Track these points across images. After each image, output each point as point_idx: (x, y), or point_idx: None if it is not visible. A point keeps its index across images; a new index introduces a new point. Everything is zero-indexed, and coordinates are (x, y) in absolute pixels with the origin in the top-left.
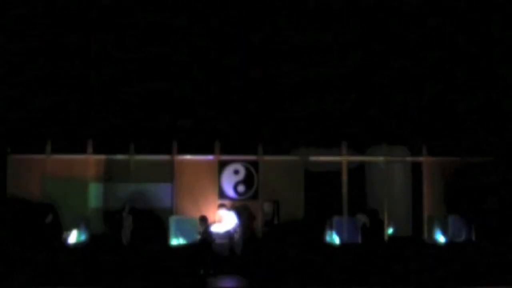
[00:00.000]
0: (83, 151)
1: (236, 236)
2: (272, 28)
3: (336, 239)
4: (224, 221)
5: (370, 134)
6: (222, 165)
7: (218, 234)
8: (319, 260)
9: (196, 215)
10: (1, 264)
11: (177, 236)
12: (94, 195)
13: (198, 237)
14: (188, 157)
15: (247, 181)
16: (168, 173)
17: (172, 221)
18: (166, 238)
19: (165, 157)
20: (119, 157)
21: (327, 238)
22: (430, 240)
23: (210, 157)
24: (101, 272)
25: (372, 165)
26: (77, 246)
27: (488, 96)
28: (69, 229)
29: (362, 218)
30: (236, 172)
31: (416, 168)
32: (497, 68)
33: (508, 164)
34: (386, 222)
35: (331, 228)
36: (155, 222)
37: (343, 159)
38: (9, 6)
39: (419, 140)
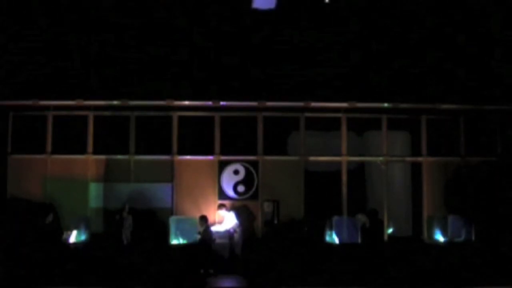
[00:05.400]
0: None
1: (236, 236)
2: (272, 28)
3: (336, 239)
4: (224, 221)
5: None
6: (222, 165)
7: (218, 234)
8: (319, 260)
9: (196, 215)
10: (1, 264)
11: (177, 236)
12: (94, 195)
13: (198, 237)
14: (188, 157)
15: (247, 181)
16: (168, 173)
17: (172, 221)
18: (166, 238)
19: (165, 157)
20: (119, 157)
21: (327, 238)
22: (430, 240)
23: (210, 157)
24: (101, 272)
25: (372, 165)
26: (77, 246)
27: (488, 95)
28: (70, 229)
29: (362, 218)
30: (236, 172)
31: (416, 168)
32: (497, 68)
33: (508, 164)
34: (386, 222)
35: (331, 228)
36: (155, 222)
37: (343, 159)
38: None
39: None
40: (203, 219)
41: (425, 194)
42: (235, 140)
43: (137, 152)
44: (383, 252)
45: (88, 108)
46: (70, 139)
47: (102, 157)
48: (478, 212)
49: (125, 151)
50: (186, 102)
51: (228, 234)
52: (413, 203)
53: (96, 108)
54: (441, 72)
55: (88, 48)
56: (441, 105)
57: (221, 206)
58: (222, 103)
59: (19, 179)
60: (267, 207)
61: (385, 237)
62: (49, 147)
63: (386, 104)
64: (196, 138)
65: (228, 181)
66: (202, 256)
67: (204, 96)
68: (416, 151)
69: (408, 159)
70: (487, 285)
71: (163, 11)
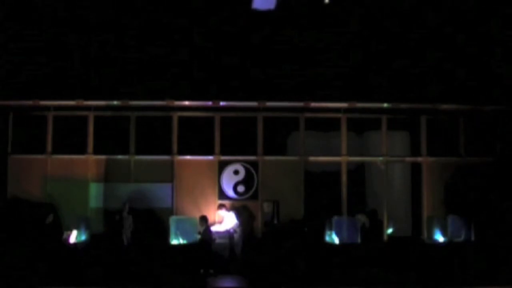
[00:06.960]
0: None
1: (236, 236)
2: (272, 28)
3: (336, 239)
4: (224, 221)
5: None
6: (222, 165)
7: (218, 234)
8: (319, 260)
9: (196, 215)
10: (1, 264)
11: (177, 236)
12: (94, 195)
13: (198, 237)
14: (188, 157)
15: (247, 181)
16: (168, 173)
17: (172, 221)
18: (166, 238)
19: (165, 157)
20: (119, 157)
21: (327, 238)
22: (430, 240)
23: (210, 157)
24: (101, 272)
25: (372, 165)
26: (77, 246)
27: (488, 95)
28: (70, 229)
29: (361, 218)
30: (236, 172)
31: (415, 168)
32: (497, 68)
33: (507, 164)
34: (385, 222)
35: (331, 228)
36: (155, 222)
37: (343, 159)
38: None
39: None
40: (203, 219)
41: (425, 194)
42: (235, 140)
43: (137, 152)
44: (383, 252)
45: (88, 108)
46: (70, 139)
47: (102, 157)
48: (478, 212)
49: (125, 151)
50: (186, 102)
51: (228, 234)
52: (413, 203)
53: (96, 108)
54: (441, 72)
55: (88, 48)
56: (441, 105)
57: (221, 206)
58: (222, 103)
59: (19, 179)
60: (267, 207)
61: (385, 237)
62: (49, 147)
63: (386, 104)
64: (196, 138)
65: (228, 181)
66: (202, 256)
67: (204, 96)
68: (415, 151)
69: (408, 159)
70: (487, 285)
71: (163, 11)
